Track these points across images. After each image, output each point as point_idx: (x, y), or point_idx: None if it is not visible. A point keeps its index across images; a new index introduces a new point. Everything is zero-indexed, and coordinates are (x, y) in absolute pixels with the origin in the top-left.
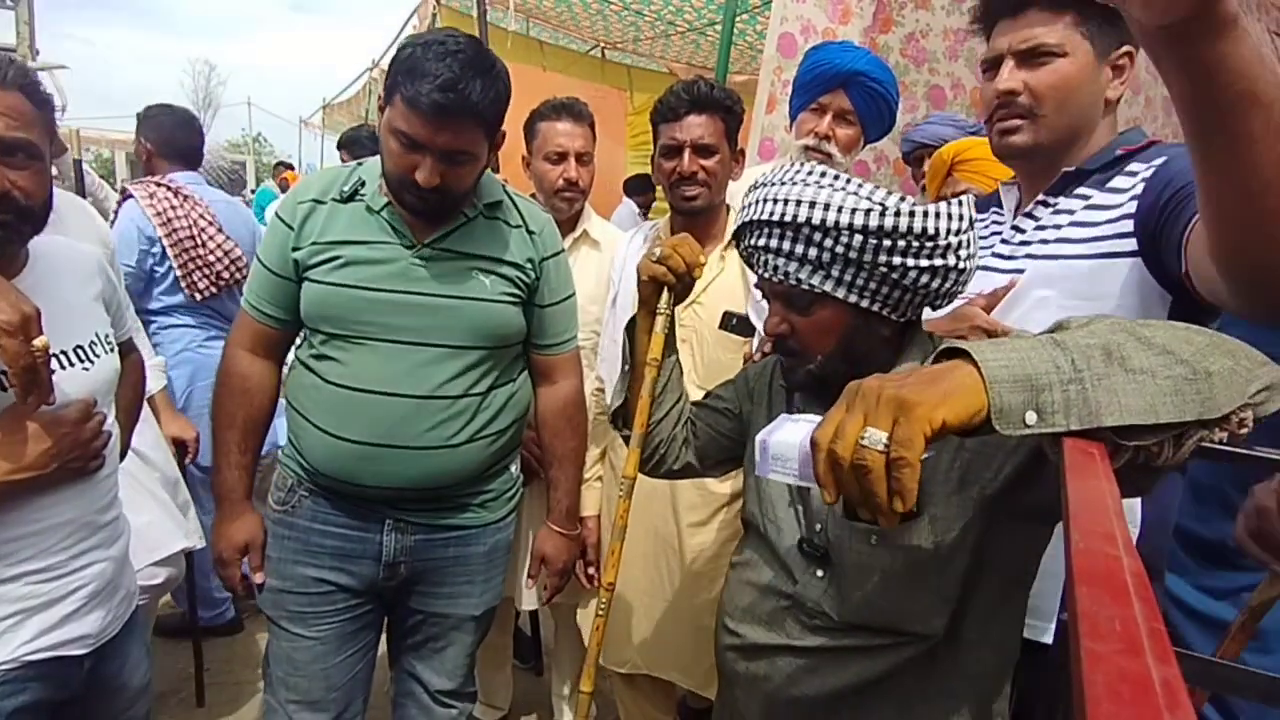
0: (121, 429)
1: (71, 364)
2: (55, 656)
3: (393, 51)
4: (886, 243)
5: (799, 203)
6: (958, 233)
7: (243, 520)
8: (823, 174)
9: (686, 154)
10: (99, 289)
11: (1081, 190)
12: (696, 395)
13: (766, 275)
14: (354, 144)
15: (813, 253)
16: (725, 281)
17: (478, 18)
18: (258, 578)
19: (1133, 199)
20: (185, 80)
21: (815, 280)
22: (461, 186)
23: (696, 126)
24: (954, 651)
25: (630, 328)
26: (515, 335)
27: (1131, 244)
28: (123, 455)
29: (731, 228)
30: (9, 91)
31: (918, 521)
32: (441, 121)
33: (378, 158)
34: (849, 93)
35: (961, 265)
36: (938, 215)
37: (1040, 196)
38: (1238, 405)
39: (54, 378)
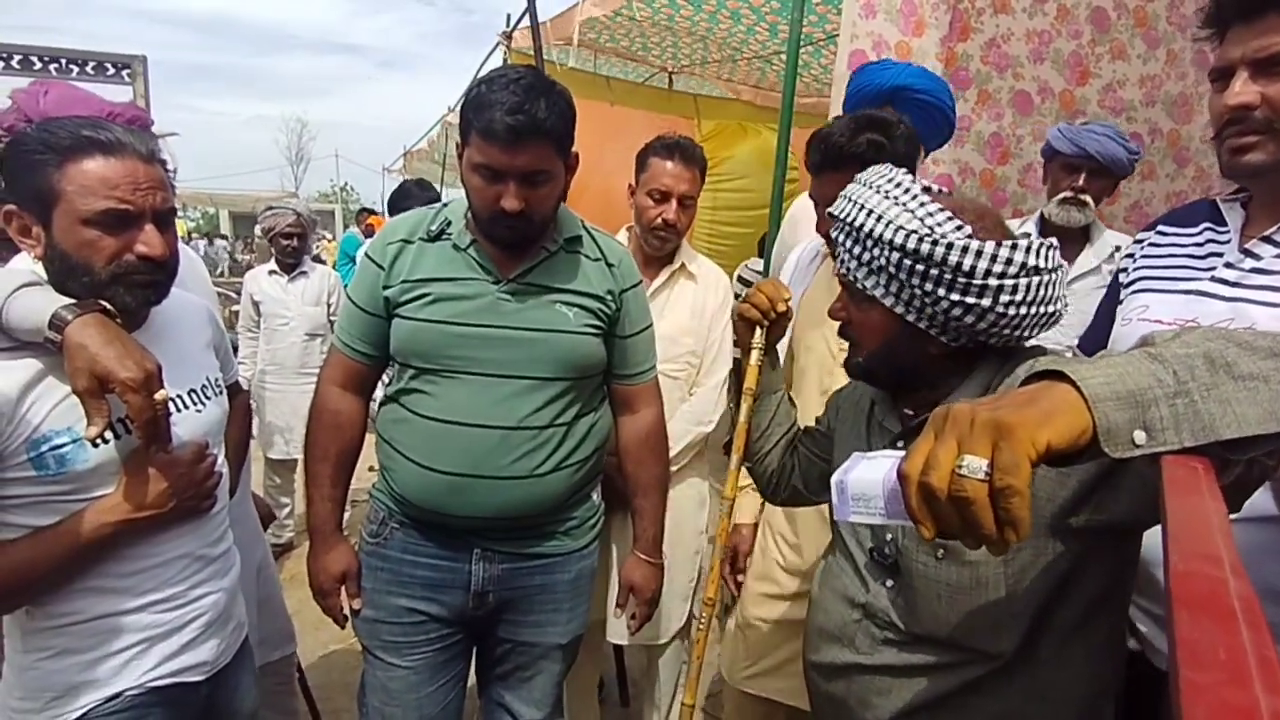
0: (230, 467)
1: (186, 407)
2: (177, 683)
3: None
4: (920, 267)
5: (862, 208)
6: (1000, 275)
7: (337, 551)
8: (898, 184)
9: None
10: (209, 337)
11: None
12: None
13: (838, 266)
14: (405, 196)
15: (866, 256)
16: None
17: (534, 54)
18: (355, 603)
19: None
20: (280, 138)
21: (869, 283)
22: (544, 209)
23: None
24: (1031, 672)
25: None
26: (597, 366)
27: None
28: (232, 492)
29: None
30: (155, 165)
31: None
32: (516, 145)
33: (461, 198)
34: (897, 108)
35: (1003, 310)
36: (979, 254)
37: None
38: None
39: (170, 420)
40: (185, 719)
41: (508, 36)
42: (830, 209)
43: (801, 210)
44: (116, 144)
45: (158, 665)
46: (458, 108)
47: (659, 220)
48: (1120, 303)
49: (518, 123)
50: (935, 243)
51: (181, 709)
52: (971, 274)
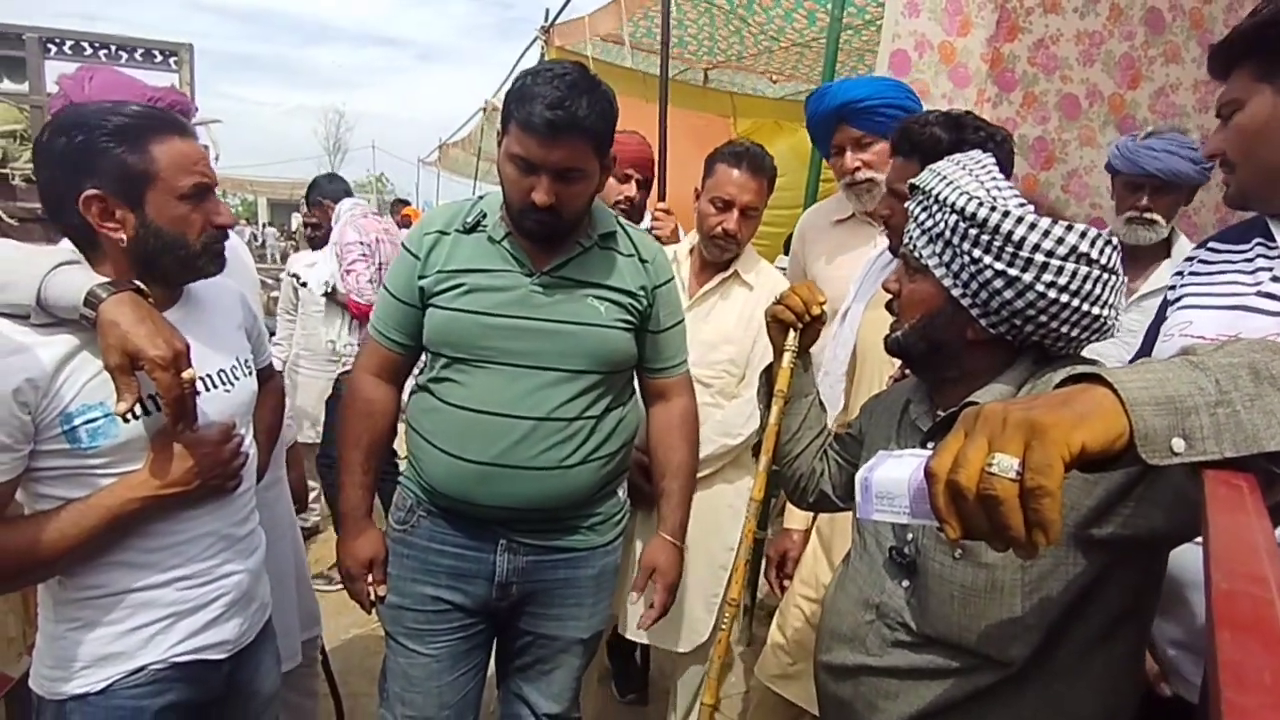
0: (260, 449)
1: (214, 387)
2: (199, 660)
3: (504, 89)
4: (973, 232)
5: (937, 174)
6: (1048, 253)
7: (366, 536)
8: (982, 165)
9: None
10: (240, 319)
11: None
12: None
13: (904, 241)
14: (312, 188)
15: (929, 223)
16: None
17: (659, 72)
18: (380, 590)
19: None
20: (319, 128)
21: (925, 251)
22: (575, 206)
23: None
24: (1045, 684)
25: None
26: (628, 360)
27: None
28: (261, 475)
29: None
30: (198, 144)
31: None
32: (552, 139)
33: (498, 191)
34: (856, 125)
35: (1044, 291)
36: (1032, 226)
37: None
38: None
39: (197, 399)
40: (206, 696)
41: (546, 31)
42: (912, 180)
43: (809, 224)
44: (183, 125)
45: (181, 641)
46: (495, 100)
47: (719, 229)
48: (1165, 319)
49: (556, 117)
50: (993, 209)
51: (203, 685)
52: (1021, 245)
